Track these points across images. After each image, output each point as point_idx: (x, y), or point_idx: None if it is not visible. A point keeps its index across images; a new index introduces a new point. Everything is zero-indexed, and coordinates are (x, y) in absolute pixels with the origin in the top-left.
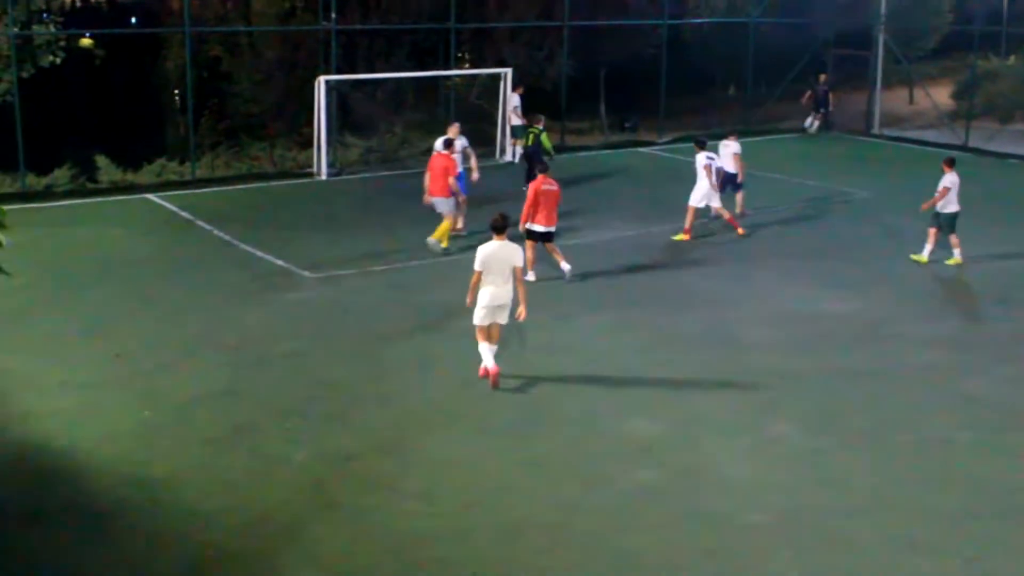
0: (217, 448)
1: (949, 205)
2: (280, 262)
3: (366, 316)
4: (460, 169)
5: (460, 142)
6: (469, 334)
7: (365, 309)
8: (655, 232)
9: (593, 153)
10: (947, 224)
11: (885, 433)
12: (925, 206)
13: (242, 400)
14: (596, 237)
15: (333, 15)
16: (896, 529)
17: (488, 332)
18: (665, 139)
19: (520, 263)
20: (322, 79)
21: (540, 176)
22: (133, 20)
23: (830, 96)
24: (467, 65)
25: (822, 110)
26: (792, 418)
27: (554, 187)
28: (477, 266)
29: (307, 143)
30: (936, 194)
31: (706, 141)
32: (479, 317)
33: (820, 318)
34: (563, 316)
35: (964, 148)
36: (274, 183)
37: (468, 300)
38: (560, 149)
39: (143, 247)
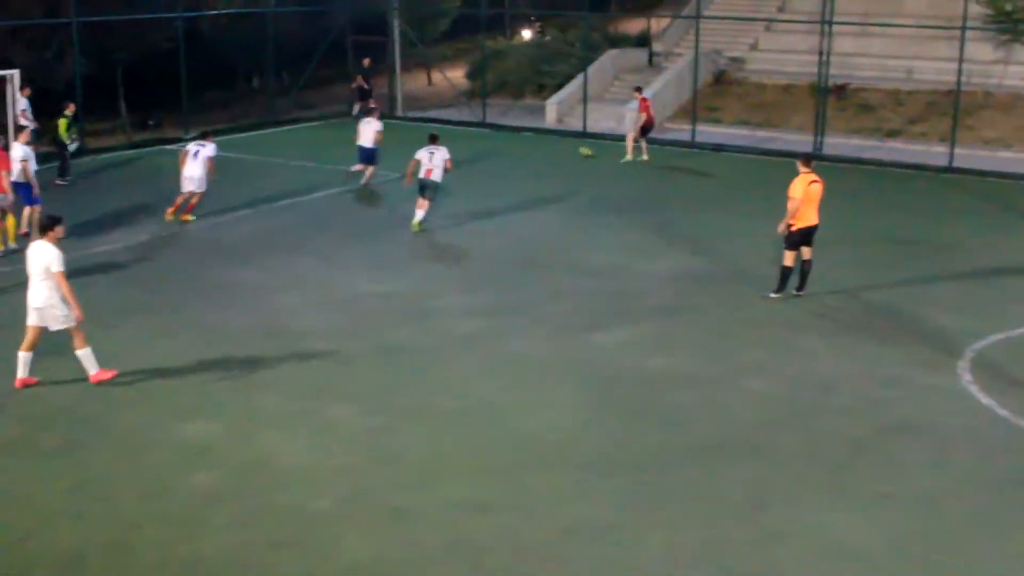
0: None
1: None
2: None
3: None
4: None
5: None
6: None
7: None
8: (192, 229)
9: (116, 154)
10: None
11: (436, 404)
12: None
13: None
14: (132, 240)
15: None
16: (455, 493)
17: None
18: (191, 135)
19: (55, 266)
20: None
21: None
22: None
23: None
24: None
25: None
26: (346, 401)
27: None
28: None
29: None
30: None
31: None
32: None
33: (364, 299)
34: (107, 325)
35: (483, 124)
36: None
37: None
38: (80, 152)
39: None
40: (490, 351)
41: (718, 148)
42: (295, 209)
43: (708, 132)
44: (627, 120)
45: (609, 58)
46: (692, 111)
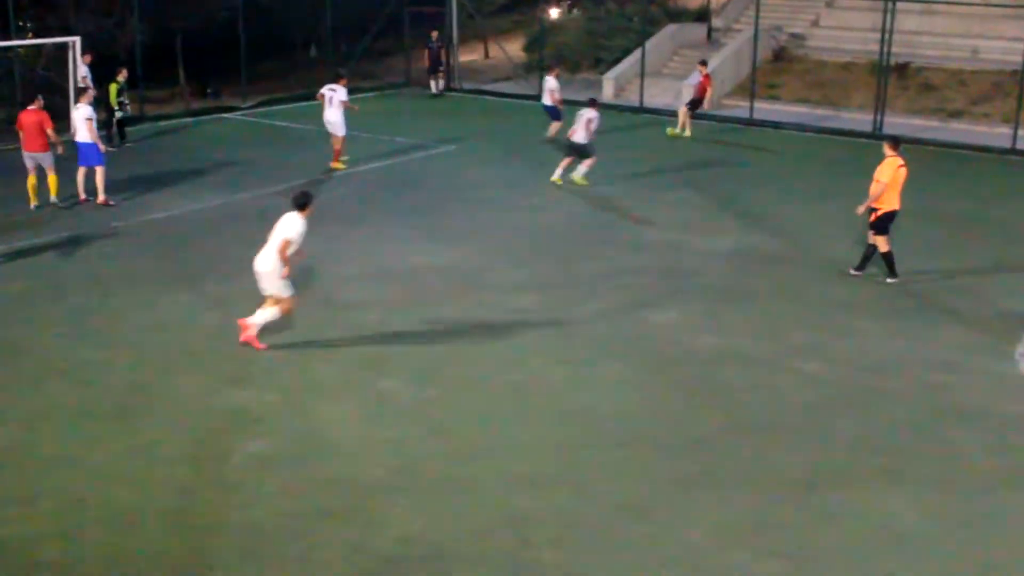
0: None
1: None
2: None
3: None
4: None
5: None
6: (55, 321)
7: None
8: (245, 200)
9: (175, 122)
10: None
11: (489, 377)
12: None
13: None
14: (187, 208)
15: None
16: (506, 467)
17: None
18: (249, 104)
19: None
20: None
21: None
22: None
23: (443, 53)
24: (31, 35)
25: (440, 68)
26: (400, 373)
27: None
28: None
29: None
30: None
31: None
32: None
33: (420, 271)
34: (161, 291)
35: (539, 98)
36: None
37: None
38: (139, 119)
39: None
40: (544, 325)
41: (776, 126)
42: (351, 180)
43: (766, 109)
44: (683, 95)
45: (668, 33)
46: (751, 88)
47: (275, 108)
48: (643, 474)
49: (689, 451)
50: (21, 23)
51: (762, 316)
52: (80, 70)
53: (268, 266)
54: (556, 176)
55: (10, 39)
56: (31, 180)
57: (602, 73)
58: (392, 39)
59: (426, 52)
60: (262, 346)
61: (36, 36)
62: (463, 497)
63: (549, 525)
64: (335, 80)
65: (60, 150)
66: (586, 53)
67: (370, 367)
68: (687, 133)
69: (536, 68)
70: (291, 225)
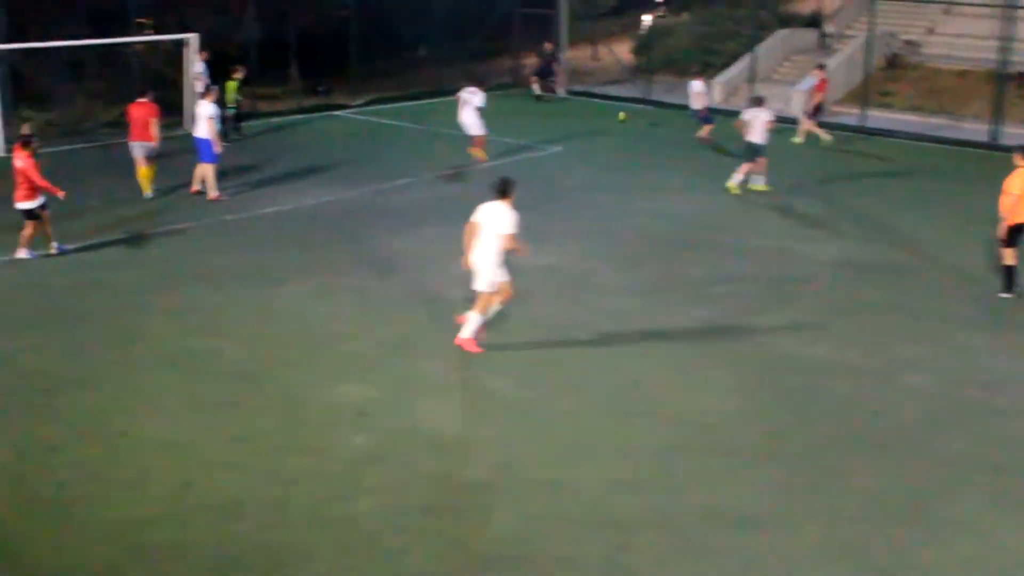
0: None
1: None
2: None
3: (57, 298)
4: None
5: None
6: (166, 311)
7: (56, 290)
8: (355, 196)
9: (286, 119)
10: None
11: (590, 380)
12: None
13: None
14: (297, 203)
15: None
16: (606, 470)
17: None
18: (359, 102)
19: (506, 228)
20: None
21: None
22: None
23: (554, 64)
24: (150, 31)
25: (550, 79)
26: (502, 373)
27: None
28: None
29: None
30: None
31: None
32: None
33: (524, 272)
34: (270, 284)
35: (647, 101)
36: None
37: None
38: (252, 115)
39: None
40: (647, 329)
41: (888, 134)
42: (458, 179)
43: (878, 117)
44: (794, 100)
45: (778, 38)
46: (863, 95)
47: (384, 107)
48: (744, 483)
49: (792, 462)
50: (140, 20)
51: (871, 327)
52: (196, 67)
53: (486, 260)
54: (734, 182)
55: (130, 36)
56: (142, 171)
57: (711, 78)
58: (502, 40)
59: (537, 58)
60: (475, 346)
61: (155, 33)
62: (561, 499)
63: (646, 530)
64: (475, 84)
65: (155, 144)
66: (695, 57)
67: (473, 366)
68: (827, 136)
69: (644, 71)
70: (503, 216)
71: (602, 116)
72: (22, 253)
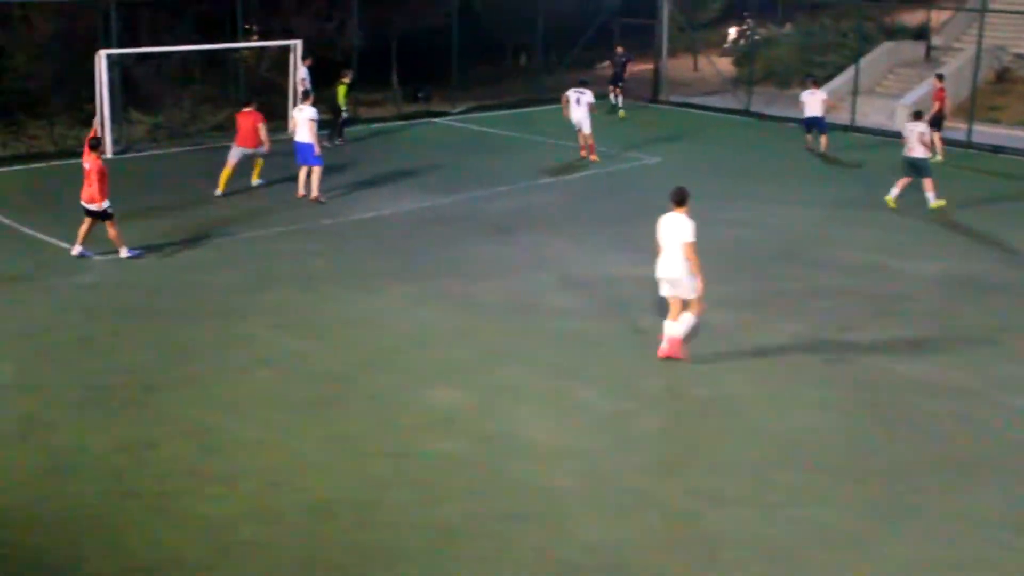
0: (7, 443)
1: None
2: (65, 245)
3: (158, 298)
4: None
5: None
6: (262, 311)
7: (157, 290)
8: (452, 202)
9: (387, 124)
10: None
11: (683, 391)
12: None
13: (31, 392)
14: (395, 208)
15: None
16: (696, 484)
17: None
18: (459, 109)
19: (688, 237)
20: (103, 53)
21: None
22: None
23: (627, 67)
24: (255, 37)
25: (620, 83)
26: (593, 382)
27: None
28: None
29: (89, 120)
30: None
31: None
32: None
33: (617, 281)
34: (364, 288)
35: (747, 113)
36: (55, 163)
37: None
38: (353, 121)
39: None
40: (740, 343)
41: (996, 150)
42: (554, 188)
43: (986, 132)
44: (898, 114)
45: (884, 50)
46: (970, 109)
47: (484, 115)
48: (836, 501)
49: (886, 481)
50: (247, 26)
51: (973, 346)
52: (300, 72)
53: (678, 271)
54: (892, 196)
55: (237, 41)
56: (226, 171)
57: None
58: (602, 49)
59: (609, 63)
60: (680, 354)
61: (260, 39)
62: (651, 511)
63: (736, 545)
64: (582, 85)
65: (266, 148)
66: (797, 69)
67: (566, 375)
68: (939, 157)
69: (745, 83)
70: (683, 225)
71: (701, 127)
72: (123, 252)
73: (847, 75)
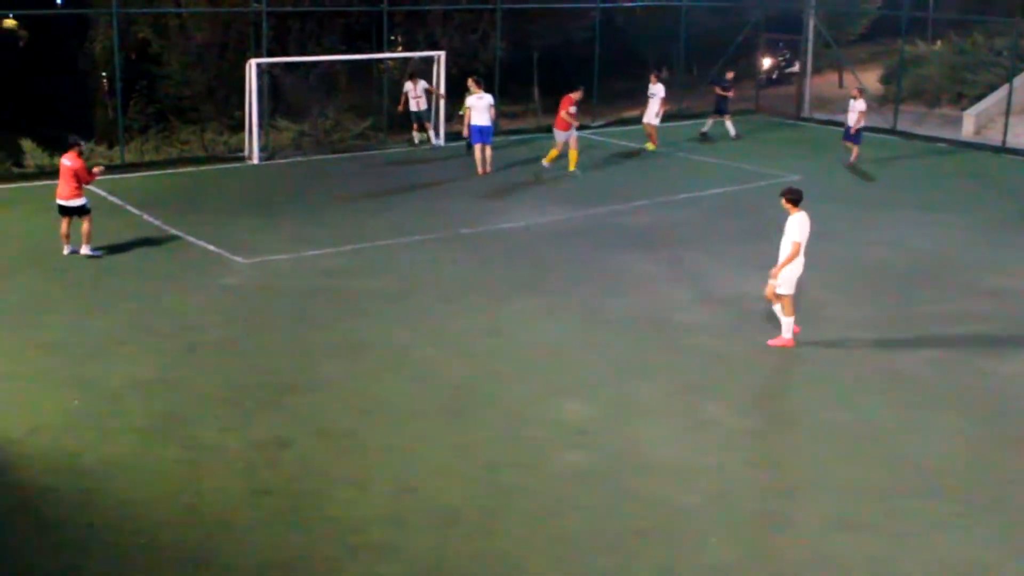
0: (148, 437)
1: None
2: (212, 247)
3: (298, 302)
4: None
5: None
6: (397, 319)
7: (297, 295)
8: (589, 215)
9: (527, 136)
10: None
11: (815, 413)
12: None
13: (173, 388)
14: (530, 220)
15: None
16: (826, 508)
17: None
18: (599, 123)
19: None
20: (253, 62)
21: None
22: (59, 0)
23: (730, 93)
24: (400, 48)
25: (725, 112)
26: (724, 400)
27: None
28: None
29: (238, 126)
30: None
31: None
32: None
33: (750, 300)
34: (496, 299)
35: (892, 132)
36: (205, 167)
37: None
38: (494, 132)
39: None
40: (873, 366)
41: None
42: (694, 204)
43: None
44: None
45: None
46: None
47: (624, 128)
48: (968, 533)
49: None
50: (393, 37)
51: None
52: (420, 83)
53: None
54: None
55: (382, 52)
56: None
57: (963, 109)
58: (745, 65)
59: (718, 89)
60: (789, 342)
61: (405, 50)
62: (777, 533)
63: (863, 572)
64: (660, 81)
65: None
66: (947, 87)
67: (695, 391)
68: None
69: (891, 101)
70: (793, 225)
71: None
72: (85, 249)
73: (1000, 94)
